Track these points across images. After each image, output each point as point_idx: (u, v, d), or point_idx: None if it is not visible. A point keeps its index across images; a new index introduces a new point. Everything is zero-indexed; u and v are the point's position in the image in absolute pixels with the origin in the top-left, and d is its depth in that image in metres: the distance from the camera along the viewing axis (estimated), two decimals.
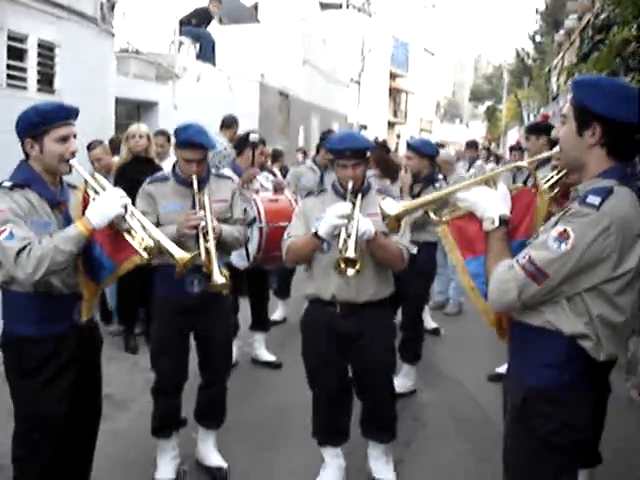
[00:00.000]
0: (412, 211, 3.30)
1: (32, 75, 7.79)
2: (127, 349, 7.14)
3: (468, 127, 71.93)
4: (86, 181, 3.54)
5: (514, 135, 31.94)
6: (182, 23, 12.68)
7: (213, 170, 4.79)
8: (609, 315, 2.58)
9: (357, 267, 3.73)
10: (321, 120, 21.29)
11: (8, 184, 3.40)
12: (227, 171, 6.53)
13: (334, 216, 3.84)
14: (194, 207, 4.34)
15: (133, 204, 3.59)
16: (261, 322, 7.18)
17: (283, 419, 5.75)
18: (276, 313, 8.65)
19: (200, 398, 4.80)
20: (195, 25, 13.05)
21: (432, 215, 3.18)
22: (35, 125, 3.40)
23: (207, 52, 13.60)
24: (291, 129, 18.17)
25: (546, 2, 37.13)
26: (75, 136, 3.50)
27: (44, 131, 3.40)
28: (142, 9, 12.02)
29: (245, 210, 6.00)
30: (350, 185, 4.09)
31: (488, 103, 61.40)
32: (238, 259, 6.32)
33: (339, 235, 3.86)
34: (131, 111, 10.91)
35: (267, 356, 7.16)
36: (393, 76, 50.24)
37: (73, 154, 3.45)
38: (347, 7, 37.20)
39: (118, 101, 9.61)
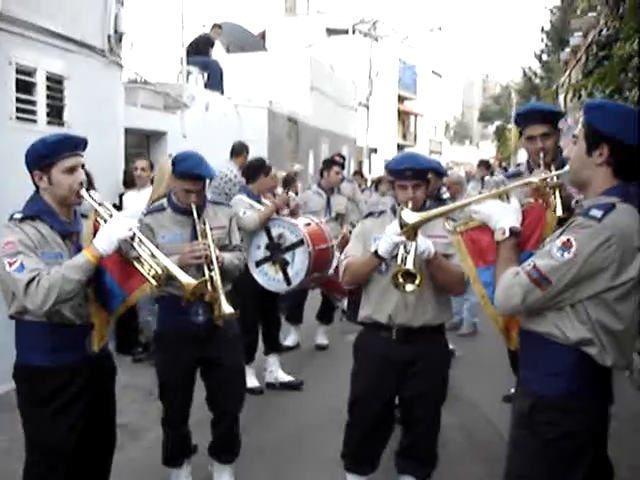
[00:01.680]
0: (428, 221, 3.44)
1: (41, 108, 7.84)
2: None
3: (478, 147, 71.95)
4: (96, 210, 3.56)
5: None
6: (188, 53, 12.77)
7: (216, 197, 4.81)
8: (609, 322, 2.71)
9: (417, 282, 3.58)
10: (330, 145, 21.36)
11: (19, 216, 3.43)
12: (241, 197, 6.61)
13: (394, 234, 3.74)
14: (195, 236, 4.32)
15: None
16: (274, 344, 7.21)
17: (300, 444, 5.74)
18: (289, 339, 8.66)
19: (214, 433, 4.76)
20: (197, 53, 13.14)
21: (447, 226, 3.47)
22: (42, 157, 3.43)
23: (215, 81, 13.68)
24: (300, 154, 18.22)
25: (551, 21, 37.21)
26: (83, 166, 3.52)
27: (51, 163, 3.43)
28: (149, 39, 12.12)
29: (281, 235, 6.38)
30: (410, 206, 3.91)
31: (497, 123, 61.43)
32: (275, 284, 6.40)
33: (398, 256, 3.74)
34: (140, 141, 10.97)
35: (286, 377, 7.19)
36: (401, 99, 50.47)
37: (81, 184, 3.47)
38: (353, 32, 37.41)
39: (127, 131, 9.65)
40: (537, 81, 41.15)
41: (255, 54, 19.81)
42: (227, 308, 4.07)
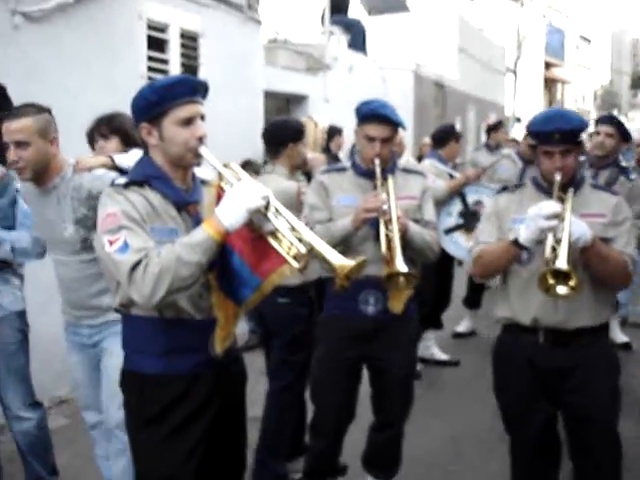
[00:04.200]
0: None
1: (175, 67, 7.23)
2: None
3: (627, 118, 68.08)
4: (220, 174, 2.76)
5: None
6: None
7: None
8: None
9: (572, 283, 2.93)
10: (478, 111, 20.12)
11: (122, 181, 2.67)
12: (432, 162, 6.45)
13: (540, 217, 3.02)
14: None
15: None
16: (436, 320, 6.91)
17: (458, 453, 5.05)
18: (462, 324, 7.99)
19: (371, 440, 4.02)
20: (337, 11, 12.36)
21: None
22: (151, 105, 2.65)
23: (358, 42, 12.88)
24: (447, 121, 17.12)
25: None
26: (203, 117, 2.73)
27: (163, 112, 2.65)
28: None
29: (478, 202, 6.14)
30: (558, 178, 3.22)
31: None
32: (467, 254, 5.89)
33: (544, 242, 3.05)
34: (280, 105, 10.27)
35: (442, 354, 6.92)
36: (548, 65, 48.22)
37: (201, 140, 2.68)
38: None
39: (266, 94, 8.96)
40: None
41: (399, 15, 18.73)
42: (402, 265, 3.40)
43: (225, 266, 2.75)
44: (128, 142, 3.86)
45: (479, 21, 24.61)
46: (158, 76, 7.09)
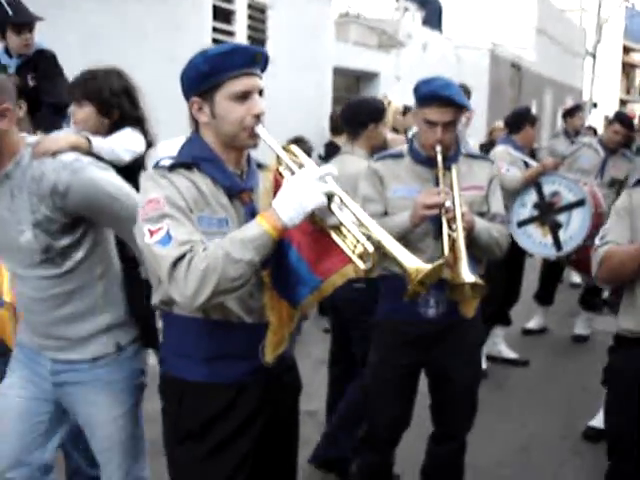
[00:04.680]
0: None
1: (241, 39, 6.92)
2: None
3: None
4: (278, 157, 2.41)
5: None
6: None
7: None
8: None
9: None
10: (554, 95, 19.39)
11: (167, 162, 2.33)
12: (506, 149, 5.97)
13: None
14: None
15: None
16: (505, 316, 6.43)
17: (523, 464, 4.59)
18: (533, 321, 7.47)
19: (431, 452, 3.61)
20: None
21: None
22: (203, 76, 2.30)
23: (433, 19, 12.40)
24: (522, 104, 16.53)
25: None
26: (262, 92, 2.38)
27: (216, 85, 2.31)
28: None
29: (555, 193, 5.68)
30: None
31: None
32: (541, 248, 5.80)
33: None
34: (350, 83, 9.89)
35: (510, 352, 6.49)
36: (627, 50, 46.73)
37: (258, 117, 2.33)
38: None
39: (335, 71, 8.58)
40: None
41: None
42: (467, 275, 2.95)
43: (281, 262, 2.41)
44: (104, 112, 3.04)
45: (560, 2, 23.79)
46: None
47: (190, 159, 2.36)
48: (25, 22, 3.96)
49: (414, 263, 2.20)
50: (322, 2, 8.13)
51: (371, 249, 2.18)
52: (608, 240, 3.05)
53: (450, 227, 3.09)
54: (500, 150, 5.97)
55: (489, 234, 3.28)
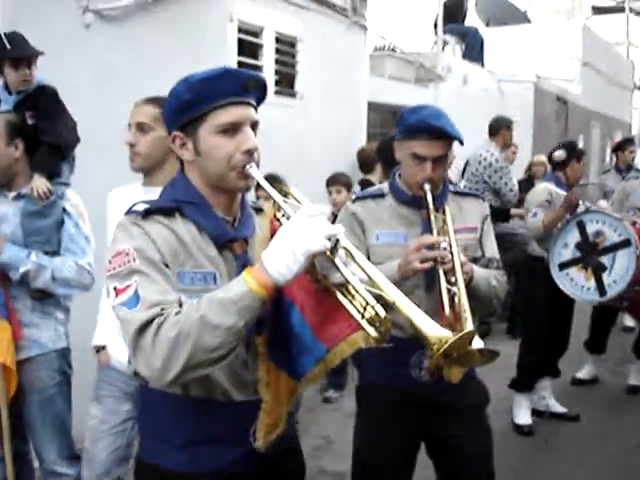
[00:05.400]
0: None
1: (269, 74, 6.58)
2: None
3: None
4: (275, 202, 2.02)
5: None
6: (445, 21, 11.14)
7: (472, 186, 3.17)
8: None
9: None
10: (602, 129, 18.81)
11: (142, 208, 1.97)
12: (547, 186, 5.63)
13: None
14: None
15: None
16: (553, 367, 6.09)
17: None
18: (583, 370, 7.05)
19: None
20: (450, 19, 11.47)
21: None
22: (185, 106, 1.94)
23: (474, 52, 12.00)
24: (568, 139, 16.00)
25: None
26: (256, 125, 2.00)
27: (200, 116, 1.95)
28: (399, 1, 10.74)
29: (599, 232, 5.25)
30: None
31: None
32: (584, 293, 5.33)
33: None
34: (386, 118, 9.51)
35: (559, 407, 6.10)
36: None
37: (250, 154, 1.95)
38: (623, 10, 33.88)
39: (370, 106, 8.23)
40: None
41: (518, 27, 17.72)
42: (477, 341, 2.43)
43: (281, 326, 2.01)
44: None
45: (606, 34, 23.33)
46: None
47: (171, 203, 1.99)
48: (23, 56, 3.68)
49: (437, 331, 1.78)
50: (356, 35, 7.82)
51: (383, 313, 1.77)
52: None
53: (448, 280, 2.66)
54: (540, 189, 5.61)
55: (488, 284, 2.90)
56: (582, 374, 6.98)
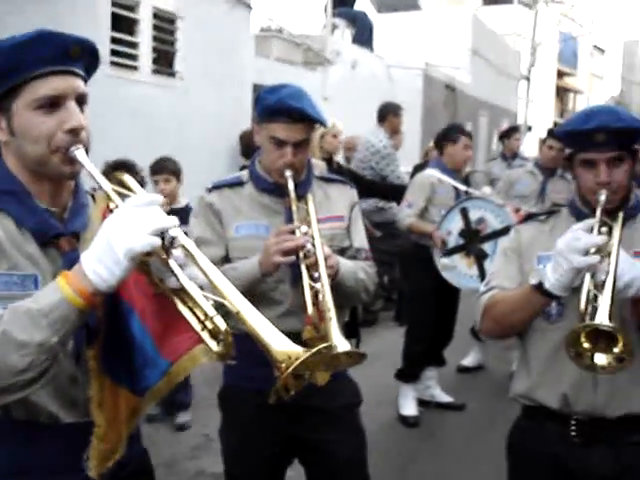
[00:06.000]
0: None
1: (145, 52, 6.23)
2: None
3: None
4: (103, 190, 1.72)
5: None
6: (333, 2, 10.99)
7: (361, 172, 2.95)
8: None
9: (618, 350, 2.03)
10: (490, 118, 19.18)
11: None
12: (432, 172, 5.48)
13: (575, 251, 2.12)
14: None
15: None
16: (438, 356, 5.96)
17: None
18: (469, 357, 7.01)
19: None
20: (341, 3, 11.35)
21: None
22: None
23: (364, 36, 11.92)
24: None
25: None
26: (83, 99, 1.71)
27: (12, 88, 1.64)
28: None
29: (481, 219, 5.22)
30: (602, 198, 2.30)
31: None
32: (466, 280, 5.27)
33: (580, 288, 2.17)
34: None
35: (445, 396, 5.98)
36: (560, 74, 47.56)
37: (75, 134, 1.65)
38: (511, 2, 34.89)
39: (256, 89, 7.97)
40: None
41: (409, 13, 17.91)
42: (342, 343, 2.24)
43: (118, 335, 1.72)
44: None
45: (495, 25, 23.87)
46: (124, 61, 6.09)
47: None
48: None
49: (286, 347, 1.53)
50: (240, 14, 7.53)
51: (223, 326, 1.51)
52: (492, 285, 2.53)
53: (311, 276, 2.43)
54: (422, 176, 5.55)
55: (355, 278, 2.68)
56: (467, 361, 6.95)
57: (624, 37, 59.38)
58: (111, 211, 1.71)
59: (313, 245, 2.48)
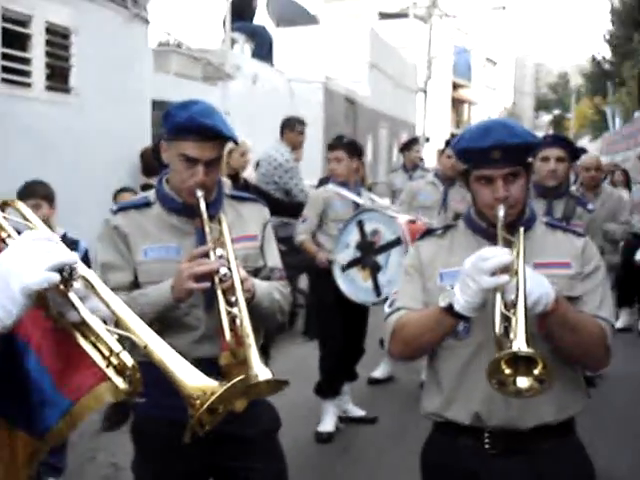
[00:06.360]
0: None
1: (38, 68, 6.02)
2: None
3: None
4: None
5: (586, 146, 30.21)
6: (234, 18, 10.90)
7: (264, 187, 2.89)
8: None
9: (538, 371, 1.98)
10: (390, 130, 19.46)
11: None
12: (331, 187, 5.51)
13: (483, 272, 2.09)
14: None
15: None
16: (350, 371, 5.92)
17: None
18: (379, 369, 6.99)
19: None
20: (239, 17, 11.24)
21: None
22: None
23: (263, 51, 11.84)
24: (357, 139, 16.39)
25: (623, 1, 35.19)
26: None
27: None
28: None
29: (376, 231, 5.18)
30: (501, 213, 2.30)
31: (556, 112, 59.23)
32: (363, 294, 5.22)
33: (487, 306, 2.15)
34: None
35: (357, 410, 5.97)
36: (455, 86, 48.83)
37: None
38: (407, 16, 35.65)
39: (155, 105, 7.82)
40: (607, 67, 38.85)
41: (308, 27, 17.98)
42: (263, 372, 2.16)
43: (12, 373, 1.61)
44: None
45: (391, 38, 24.28)
46: (16, 78, 5.87)
47: None
48: None
49: (199, 381, 1.45)
50: (137, 29, 7.38)
51: (130, 362, 1.42)
52: (398, 306, 2.50)
53: (227, 301, 2.35)
54: (318, 192, 5.62)
55: (271, 299, 2.64)
56: (378, 373, 6.94)
57: (515, 50, 61.61)
58: (3, 241, 1.61)
59: (229, 268, 2.40)
